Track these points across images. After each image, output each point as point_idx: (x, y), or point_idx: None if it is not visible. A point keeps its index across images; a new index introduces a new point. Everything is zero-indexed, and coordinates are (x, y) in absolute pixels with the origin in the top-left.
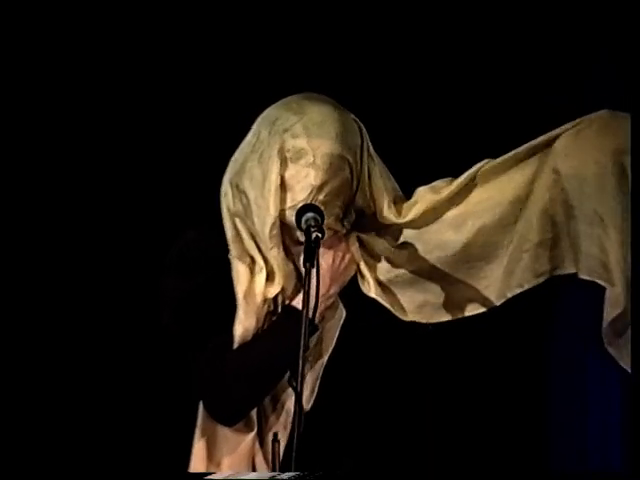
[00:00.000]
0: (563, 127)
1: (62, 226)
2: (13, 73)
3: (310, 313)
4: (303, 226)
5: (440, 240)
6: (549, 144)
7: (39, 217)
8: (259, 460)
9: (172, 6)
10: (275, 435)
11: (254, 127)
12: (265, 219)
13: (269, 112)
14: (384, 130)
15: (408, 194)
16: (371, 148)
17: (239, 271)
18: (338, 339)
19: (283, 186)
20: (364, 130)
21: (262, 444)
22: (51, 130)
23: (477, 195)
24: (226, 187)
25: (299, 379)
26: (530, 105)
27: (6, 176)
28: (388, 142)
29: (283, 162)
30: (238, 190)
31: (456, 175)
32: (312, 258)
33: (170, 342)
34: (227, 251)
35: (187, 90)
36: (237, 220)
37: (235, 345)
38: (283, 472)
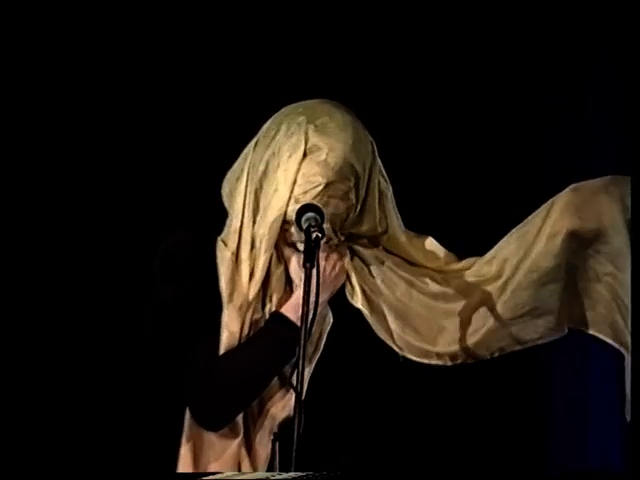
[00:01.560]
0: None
1: (54, 227)
2: (13, 73)
3: (310, 314)
4: (303, 225)
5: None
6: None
7: (32, 218)
8: (245, 465)
9: (174, 6)
10: (275, 435)
11: (273, 120)
12: (273, 207)
13: (291, 108)
14: (383, 130)
15: (408, 195)
16: (384, 172)
17: (225, 265)
18: (325, 346)
19: (295, 179)
20: (377, 152)
21: (248, 449)
22: (43, 130)
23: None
24: (238, 175)
25: (299, 379)
26: (530, 105)
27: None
28: (386, 142)
29: (302, 154)
30: (253, 178)
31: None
32: (312, 258)
33: (155, 348)
34: (214, 252)
35: (177, 93)
36: (247, 208)
37: (221, 350)
38: (280, 473)
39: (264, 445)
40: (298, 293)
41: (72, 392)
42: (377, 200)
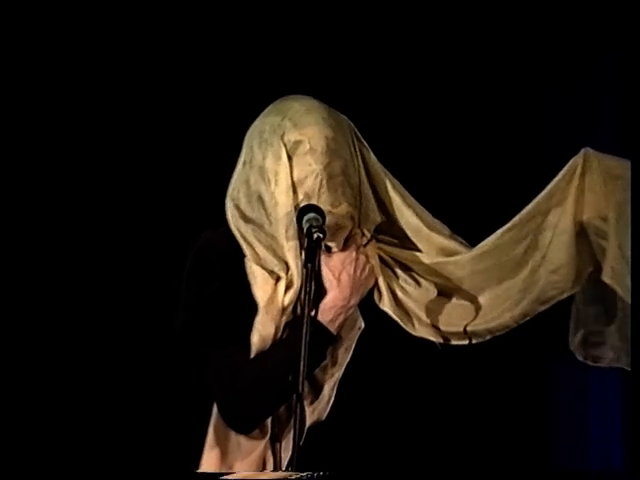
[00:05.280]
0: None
1: (80, 230)
2: (17, 76)
3: (309, 315)
4: (304, 226)
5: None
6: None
7: (52, 219)
8: (269, 466)
9: (174, 10)
10: (276, 436)
11: (244, 148)
12: (281, 220)
13: (253, 127)
14: (381, 130)
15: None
16: (361, 137)
17: (258, 278)
18: (355, 350)
19: (292, 183)
20: (348, 120)
21: (274, 451)
22: (74, 134)
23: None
24: (231, 211)
25: (300, 379)
26: (530, 105)
27: (17, 180)
28: (385, 142)
29: (288, 158)
30: (244, 211)
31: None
32: (313, 259)
33: (182, 347)
34: (244, 254)
35: (203, 92)
36: (251, 239)
37: (252, 353)
38: (296, 473)
39: (290, 448)
40: (329, 296)
41: (99, 392)
42: (363, 167)
